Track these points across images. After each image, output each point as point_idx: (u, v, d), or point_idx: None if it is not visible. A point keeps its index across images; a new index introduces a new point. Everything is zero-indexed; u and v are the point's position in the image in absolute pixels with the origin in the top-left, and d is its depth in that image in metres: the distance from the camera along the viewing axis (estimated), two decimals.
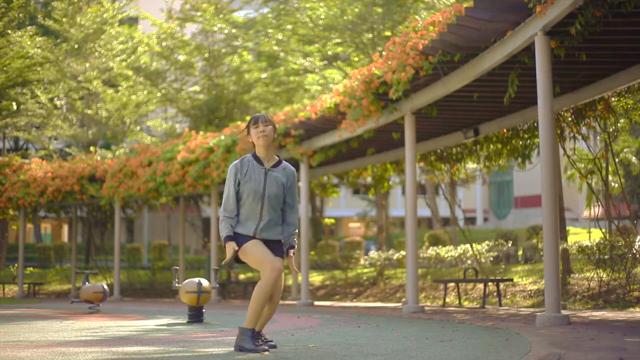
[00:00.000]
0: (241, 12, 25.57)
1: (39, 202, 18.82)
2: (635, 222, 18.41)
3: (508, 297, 12.42)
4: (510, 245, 16.94)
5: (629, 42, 8.12)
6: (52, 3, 24.41)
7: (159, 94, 24.67)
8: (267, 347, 4.81)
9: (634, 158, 23.00)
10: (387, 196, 24.05)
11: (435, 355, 4.55)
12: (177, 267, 10.14)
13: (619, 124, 10.64)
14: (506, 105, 10.33)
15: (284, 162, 5.11)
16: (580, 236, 24.09)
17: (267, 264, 4.77)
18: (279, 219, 5.01)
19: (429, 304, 13.29)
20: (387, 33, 18.46)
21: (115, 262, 18.39)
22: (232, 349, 4.93)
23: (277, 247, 4.98)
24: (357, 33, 19.06)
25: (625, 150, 22.87)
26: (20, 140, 34.21)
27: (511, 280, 12.11)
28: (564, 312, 8.19)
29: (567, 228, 17.04)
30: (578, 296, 11.02)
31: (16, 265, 21.58)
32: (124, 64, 24.05)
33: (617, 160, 17.81)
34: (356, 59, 20.05)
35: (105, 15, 23.92)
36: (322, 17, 19.40)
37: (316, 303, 14.53)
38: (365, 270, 19.82)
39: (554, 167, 7.61)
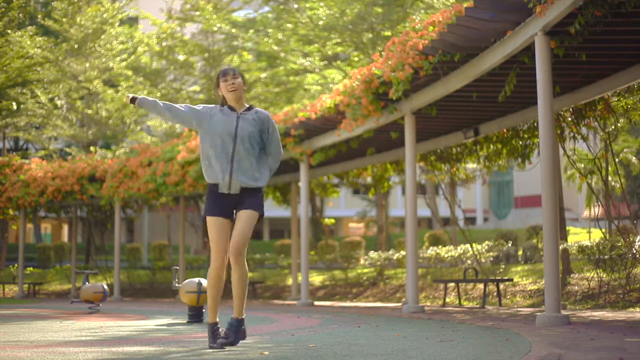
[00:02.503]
0: (241, 12, 25.57)
1: (39, 202, 18.81)
2: (635, 222, 18.40)
3: (508, 297, 12.41)
4: (510, 245, 16.94)
5: (629, 42, 8.12)
6: (52, 3, 24.40)
7: (158, 94, 24.67)
8: (220, 345, 4.85)
9: (634, 158, 23.03)
10: (387, 196, 24.02)
11: (435, 355, 4.55)
12: (177, 267, 10.13)
13: (619, 124, 10.64)
14: (506, 105, 10.34)
15: (255, 107, 5.08)
16: (580, 236, 24.09)
17: (215, 255, 4.86)
18: (255, 162, 4.92)
19: (429, 304, 13.29)
20: (387, 33, 18.46)
21: (115, 262, 18.39)
22: (232, 348, 4.94)
23: (252, 201, 4.89)
24: (357, 33, 19.05)
25: (625, 150, 22.90)
26: (20, 140, 34.21)
27: (511, 280, 12.11)
28: (564, 312, 8.19)
29: (567, 228, 17.05)
30: (578, 296, 11.02)
31: (16, 265, 21.58)
32: (124, 63, 24.05)
33: (617, 160, 17.81)
34: (356, 59, 20.04)
35: (105, 15, 23.91)
36: (323, 17, 19.39)
37: (316, 303, 14.53)
38: (365, 270, 19.82)
39: (554, 167, 7.61)
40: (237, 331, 4.92)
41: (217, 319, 5.01)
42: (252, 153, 4.91)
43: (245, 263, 4.89)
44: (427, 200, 26.90)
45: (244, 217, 4.85)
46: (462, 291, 13.46)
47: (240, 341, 5.00)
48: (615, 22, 7.35)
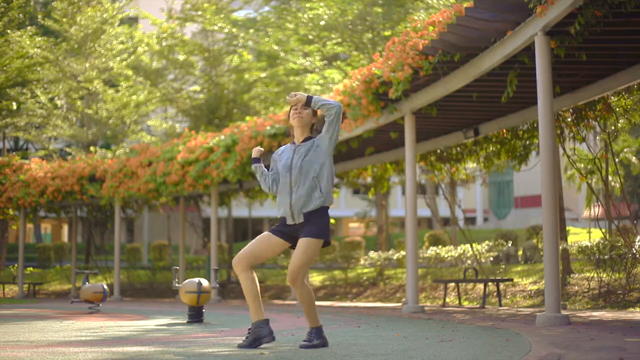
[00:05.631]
0: (241, 12, 25.57)
1: (39, 202, 18.80)
2: (635, 222, 18.41)
3: (508, 297, 12.41)
4: (510, 245, 16.93)
5: (629, 42, 8.12)
6: (52, 3, 24.39)
7: (158, 94, 24.67)
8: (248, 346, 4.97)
9: (634, 158, 23.01)
10: (387, 196, 24.02)
11: (435, 355, 4.55)
12: (177, 267, 10.13)
13: (619, 124, 10.64)
14: (506, 106, 10.34)
15: (315, 139, 5.15)
16: (580, 236, 24.09)
17: (241, 251, 5.04)
18: (315, 187, 5.00)
19: (429, 304, 13.29)
20: (387, 33, 18.46)
21: (115, 262, 18.39)
22: (232, 349, 4.94)
23: (310, 227, 4.92)
24: (357, 33, 19.05)
25: (625, 150, 22.88)
26: (20, 140, 34.20)
27: (511, 280, 12.11)
28: (564, 312, 8.19)
29: (567, 228, 17.05)
30: (578, 296, 11.02)
31: (16, 265, 21.58)
32: (124, 63, 24.04)
33: (617, 160, 17.81)
34: (356, 59, 20.04)
35: (105, 15, 23.90)
36: (324, 17, 19.38)
37: (316, 303, 14.50)
38: (365, 270, 19.82)
39: (554, 167, 7.61)
40: (319, 336, 5.06)
41: (260, 317, 5.02)
42: (309, 178, 5.00)
43: (305, 285, 5.02)
44: (427, 200, 26.87)
45: (299, 246, 4.95)
46: (462, 291, 13.46)
47: (323, 347, 5.04)
48: (615, 22, 7.35)
